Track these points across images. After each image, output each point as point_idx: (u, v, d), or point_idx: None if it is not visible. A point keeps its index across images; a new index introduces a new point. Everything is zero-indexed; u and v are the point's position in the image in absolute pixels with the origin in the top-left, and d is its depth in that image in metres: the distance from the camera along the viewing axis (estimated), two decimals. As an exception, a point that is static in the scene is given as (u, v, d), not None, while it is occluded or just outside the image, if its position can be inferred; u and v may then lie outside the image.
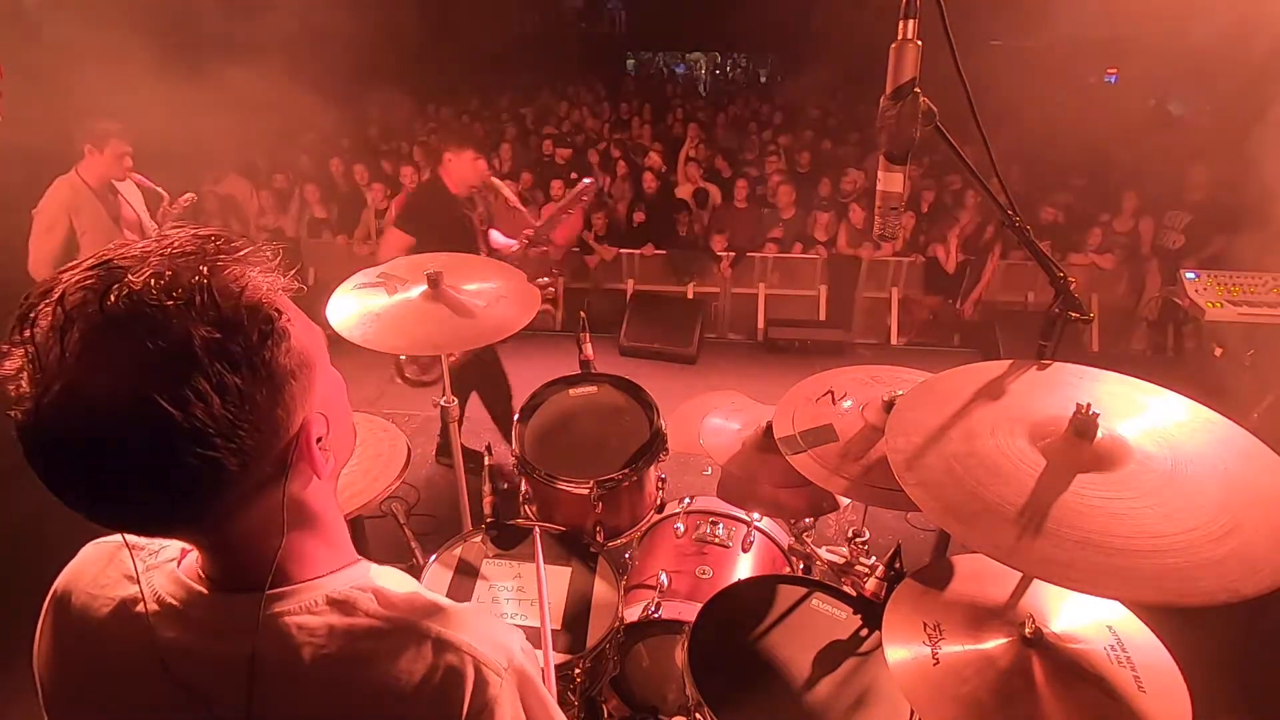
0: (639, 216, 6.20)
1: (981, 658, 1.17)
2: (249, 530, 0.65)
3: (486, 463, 1.96)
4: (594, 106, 9.38)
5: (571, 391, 2.11)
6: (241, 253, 0.59)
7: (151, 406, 0.51)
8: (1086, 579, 0.90)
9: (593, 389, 2.12)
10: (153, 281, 0.53)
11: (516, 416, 2.01)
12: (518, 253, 3.35)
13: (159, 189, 3.68)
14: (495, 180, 3.40)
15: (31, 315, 0.54)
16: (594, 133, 8.18)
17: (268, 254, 0.61)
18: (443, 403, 2.40)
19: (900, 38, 1.18)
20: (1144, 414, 1.13)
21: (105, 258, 0.55)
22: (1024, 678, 1.13)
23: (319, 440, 0.66)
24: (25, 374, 0.53)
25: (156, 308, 0.53)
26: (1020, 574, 1.26)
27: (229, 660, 0.64)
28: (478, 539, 1.82)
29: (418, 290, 2.05)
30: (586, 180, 3.67)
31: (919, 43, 1.18)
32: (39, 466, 0.55)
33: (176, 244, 0.57)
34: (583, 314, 2.32)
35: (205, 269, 0.55)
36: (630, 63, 13.80)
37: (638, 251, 6.14)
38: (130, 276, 0.53)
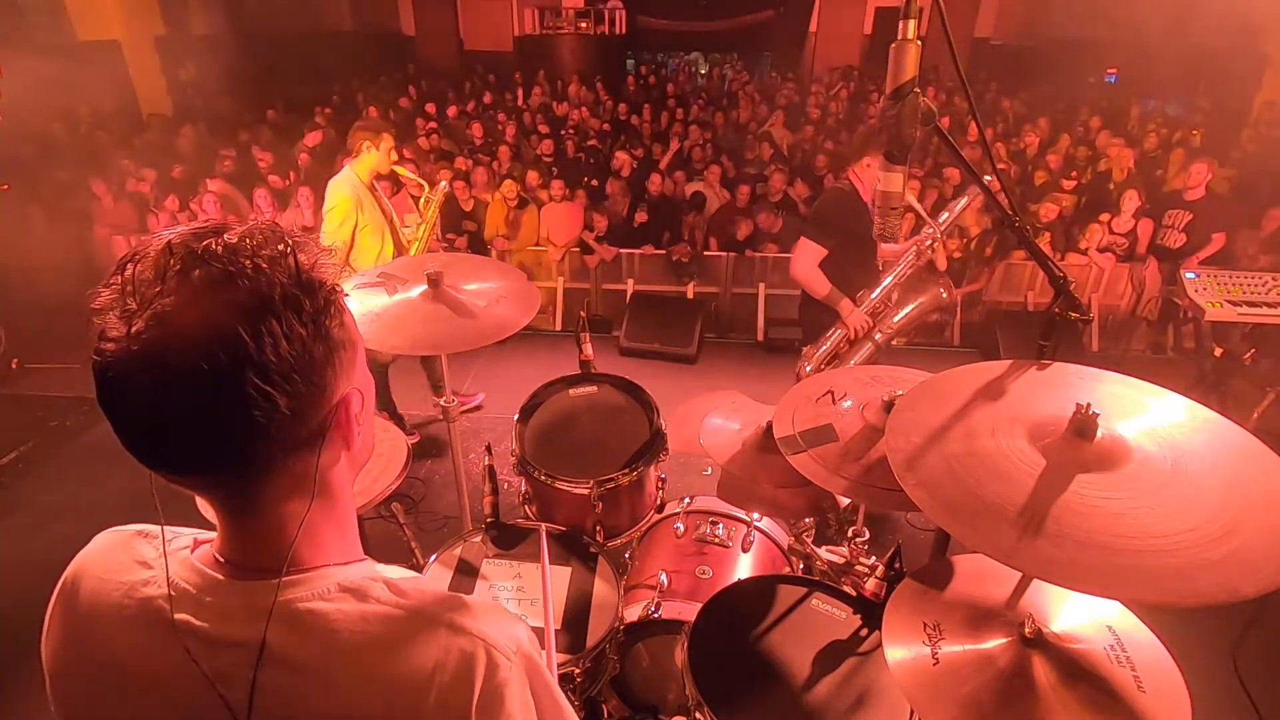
0: (640, 217, 6.20)
1: (981, 658, 1.17)
2: (278, 494, 0.68)
3: (487, 462, 1.96)
4: (593, 107, 9.38)
5: (571, 391, 2.11)
6: (312, 241, 0.68)
7: (231, 335, 0.58)
8: (1086, 579, 0.90)
9: (593, 389, 2.12)
10: (247, 241, 0.62)
11: (516, 416, 2.01)
12: (913, 261, 3.12)
13: (419, 178, 3.79)
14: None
15: (134, 258, 0.61)
16: (594, 133, 8.18)
17: (332, 250, 0.69)
18: (443, 403, 2.41)
19: (900, 38, 1.18)
20: (1144, 414, 1.13)
21: (204, 224, 0.64)
22: (1024, 678, 1.13)
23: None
24: (116, 309, 0.59)
25: (249, 258, 0.61)
26: (1020, 574, 1.26)
27: (241, 645, 0.66)
28: (478, 539, 1.83)
29: (418, 290, 2.05)
30: (971, 192, 3.27)
31: (919, 43, 1.19)
32: (114, 391, 0.59)
33: (261, 227, 0.65)
34: (583, 314, 2.31)
35: (290, 242, 0.64)
36: (630, 63, 13.80)
37: (637, 251, 6.15)
38: (228, 234, 0.62)
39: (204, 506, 0.71)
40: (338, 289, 0.67)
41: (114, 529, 0.78)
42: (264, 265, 0.61)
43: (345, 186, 3.48)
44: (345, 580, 0.70)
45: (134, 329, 0.58)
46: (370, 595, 0.70)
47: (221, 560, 0.70)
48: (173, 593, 0.68)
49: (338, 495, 0.74)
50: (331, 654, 0.66)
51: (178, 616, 0.67)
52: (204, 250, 0.60)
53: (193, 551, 0.72)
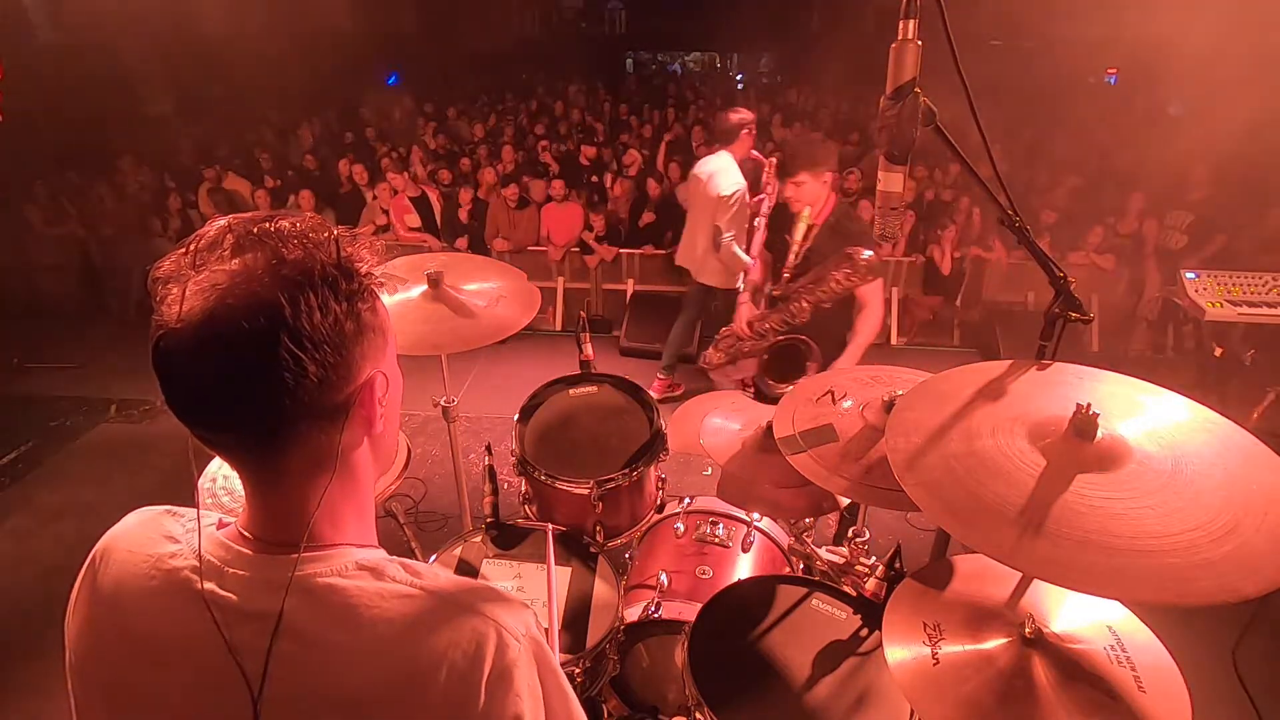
0: (648, 217, 6.19)
1: (981, 658, 1.17)
2: (301, 466, 0.71)
3: (487, 462, 1.96)
4: (593, 107, 9.38)
5: (571, 391, 2.11)
6: (357, 235, 0.73)
7: (271, 301, 0.64)
8: (1086, 579, 0.90)
9: (593, 389, 2.12)
10: (298, 224, 0.70)
11: (516, 416, 2.01)
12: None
13: (763, 159, 3.99)
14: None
15: (197, 236, 0.68)
16: (593, 133, 8.18)
17: (378, 246, 0.74)
18: (443, 402, 2.40)
19: (900, 38, 1.18)
20: (1144, 414, 1.13)
21: (260, 213, 0.71)
22: (1024, 678, 1.13)
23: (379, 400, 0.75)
24: (176, 278, 0.66)
25: (296, 239, 0.68)
26: (1020, 574, 1.26)
27: (262, 616, 0.68)
28: (478, 539, 1.83)
29: (418, 290, 2.05)
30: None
31: (919, 43, 1.19)
32: (165, 351, 0.64)
33: (311, 218, 0.72)
34: (582, 314, 2.31)
35: (335, 232, 0.71)
36: (630, 63, 13.80)
37: (638, 251, 6.15)
38: (280, 221, 0.69)
39: (208, 493, 0.71)
40: (373, 277, 0.72)
41: (143, 508, 0.81)
42: (310, 248, 0.68)
43: (734, 172, 3.74)
44: (363, 559, 0.73)
45: (188, 294, 0.64)
46: (387, 574, 0.72)
47: (247, 535, 0.73)
48: (199, 564, 0.71)
49: (359, 479, 0.77)
50: (347, 628, 0.68)
51: (202, 589, 0.70)
52: (259, 231, 0.67)
53: (219, 528, 0.75)
